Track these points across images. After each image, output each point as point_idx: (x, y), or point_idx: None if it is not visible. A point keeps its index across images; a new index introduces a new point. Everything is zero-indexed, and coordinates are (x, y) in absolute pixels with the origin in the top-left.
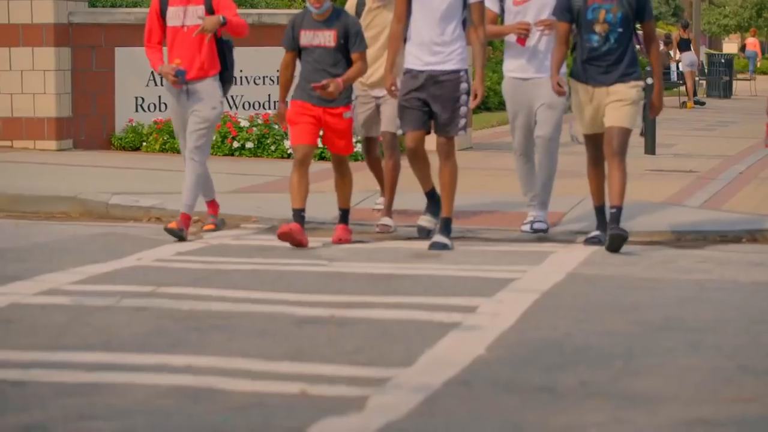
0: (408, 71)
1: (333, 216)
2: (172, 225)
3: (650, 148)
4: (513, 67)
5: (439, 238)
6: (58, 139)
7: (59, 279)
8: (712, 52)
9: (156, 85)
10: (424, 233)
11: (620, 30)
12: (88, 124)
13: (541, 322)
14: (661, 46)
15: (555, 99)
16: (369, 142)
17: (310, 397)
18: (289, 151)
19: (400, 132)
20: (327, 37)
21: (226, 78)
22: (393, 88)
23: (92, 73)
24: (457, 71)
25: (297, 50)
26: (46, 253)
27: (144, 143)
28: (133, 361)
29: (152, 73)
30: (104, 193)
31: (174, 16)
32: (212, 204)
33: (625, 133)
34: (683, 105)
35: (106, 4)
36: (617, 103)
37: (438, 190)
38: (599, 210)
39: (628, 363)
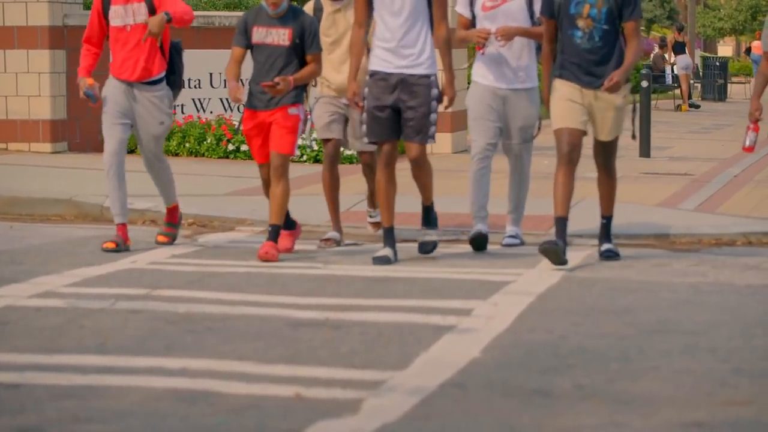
0: (375, 74)
1: (327, 219)
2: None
3: (645, 151)
4: (483, 72)
5: (425, 235)
6: (53, 141)
7: (54, 281)
8: (706, 55)
9: None
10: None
11: (605, 27)
12: (83, 126)
13: (536, 325)
14: (656, 49)
15: (529, 120)
16: (327, 145)
17: (305, 399)
18: None
19: (366, 142)
20: (281, 36)
21: (173, 82)
22: (356, 98)
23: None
24: (427, 76)
25: (248, 47)
26: (41, 255)
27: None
28: (128, 364)
29: None
30: (99, 196)
31: (116, 15)
32: (173, 210)
33: (615, 142)
34: (678, 108)
35: None
36: (607, 114)
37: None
38: (560, 222)
39: (624, 366)
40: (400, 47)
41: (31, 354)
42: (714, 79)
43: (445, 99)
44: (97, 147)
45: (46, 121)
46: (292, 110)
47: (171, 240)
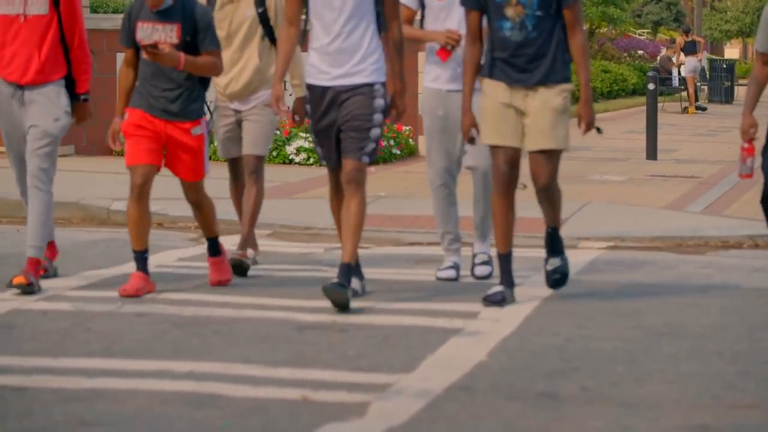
0: (312, 88)
1: (333, 222)
2: (20, 280)
3: (652, 154)
4: (435, 75)
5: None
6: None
7: (61, 284)
8: (713, 57)
9: None
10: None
11: (539, 14)
12: (89, 129)
13: (542, 328)
14: (664, 51)
15: None
16: (232, 165)
17: (312, 403)
18: (290, 157)
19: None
20: (168, 32)
21: (72, 94)
22: (280, 103)
23: (94, 79)
24: (370, 85)
25: (137, 47)
26: None
27: None
28: (134, 367)
29: None
30: (106, 199)
31: (5, 1)
32: (50, 246)
33: (556, 158)
34: (685, 110)
35: (108, 11)
36: (540, 117)
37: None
38: (505, 259)
39: (630, 369)
40: (338, 53)
41: (37, 357)
42: (721, 82)
43: (394, 112)
44: (104, 150)
45: None
46: (195, 130)
47: (49, 273)
